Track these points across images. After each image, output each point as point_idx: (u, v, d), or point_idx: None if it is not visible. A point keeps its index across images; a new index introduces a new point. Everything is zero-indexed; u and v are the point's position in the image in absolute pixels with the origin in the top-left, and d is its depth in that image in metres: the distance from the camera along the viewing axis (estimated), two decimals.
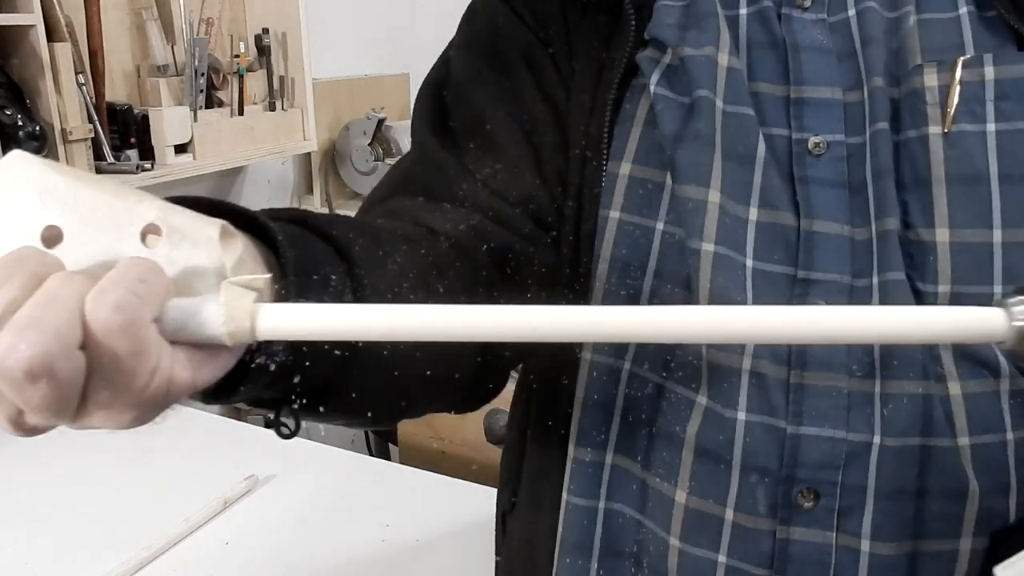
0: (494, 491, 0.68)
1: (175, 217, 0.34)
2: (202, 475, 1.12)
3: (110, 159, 1.42)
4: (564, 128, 0.58)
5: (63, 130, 1.30)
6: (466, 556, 0.96)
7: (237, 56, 1.69)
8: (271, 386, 0.39)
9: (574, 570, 0.56)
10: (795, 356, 0.49)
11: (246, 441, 1.23)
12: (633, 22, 0.56)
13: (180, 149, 1.50)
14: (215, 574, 0.93)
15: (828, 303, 0.50)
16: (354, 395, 0.46)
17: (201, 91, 1.57)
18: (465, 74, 0.61)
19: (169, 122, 1.47)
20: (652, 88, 0.54)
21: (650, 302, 0.53)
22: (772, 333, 0.36)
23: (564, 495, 0.56)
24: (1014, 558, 0.37)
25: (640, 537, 0.54)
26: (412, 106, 0.65)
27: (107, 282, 0.31)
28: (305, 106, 1.78)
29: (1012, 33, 0.51)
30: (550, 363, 0.59)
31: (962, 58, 0.50)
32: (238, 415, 1.62)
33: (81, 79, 1.36)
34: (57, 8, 1.30)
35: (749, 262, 0.51)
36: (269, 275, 0.36)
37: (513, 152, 0.58)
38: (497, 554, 0.70)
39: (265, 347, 0.37)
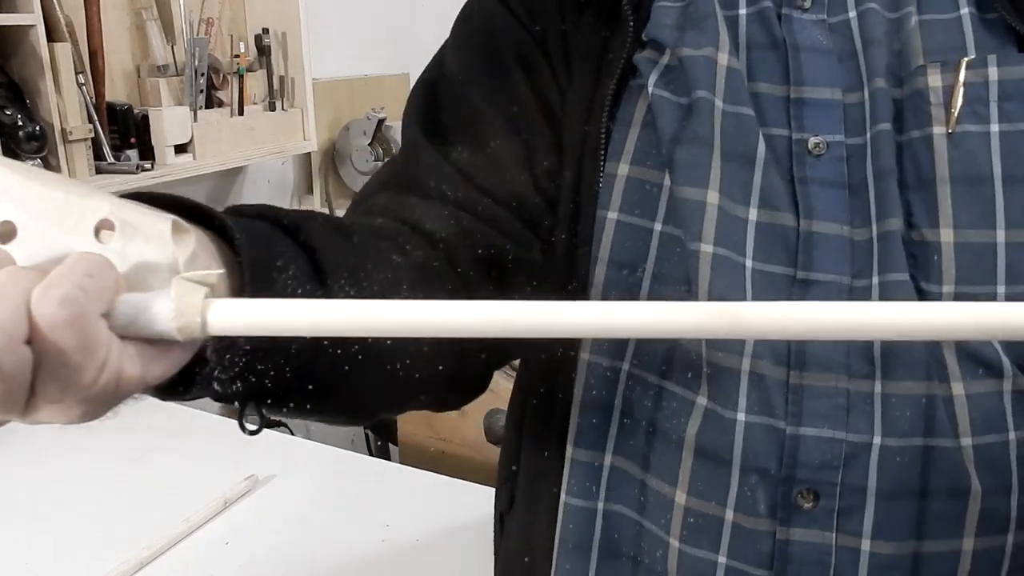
0: (494, 491, 0.69)
1: (128, 212, 0.34)
2: (202, 475, 1.12)
3: (110, 159, 1.42)
4: (558, 129, 0.58)
5: (63, 130, 1.30)
6: (466, 556, 0.96)
7: (237, 56, 1.69)
8: (230, 383, 0.39)
9: (573, 571, 0.56)
10: (794, 356, 0.49)
11: (246, 441, 1.23)
12: (631, 23, 0.56)
13: (180, 149, 1.50)
14: (215, 574, 0.93)
15: None
16: (323, 391, 0.46)
17: (201, 91, 1.57)
18: (459, 72, 0.61)
19: (169, 122, 1.47)
20: (650, 89, 0.54)
21: None
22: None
23: (562, 496, 0.56)
24: None
25: (639, 538, 0.54)
26: None
27: (54, 277, 0.31)
28: (305, 106, 1.78)
29: (1013, 35, 0.51)
30: (545, 363, 0.59)
31: (966, 59, 0.50)
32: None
33: (81, 79, 1.36)
34: (57, 8, 1.30)
35: (749, 263, 0.51)
36: (222, 271, 0.36)
37: (504, 151, 0.58)
38: (496, 554, 0.70)
39: (221, 345, 0.37)
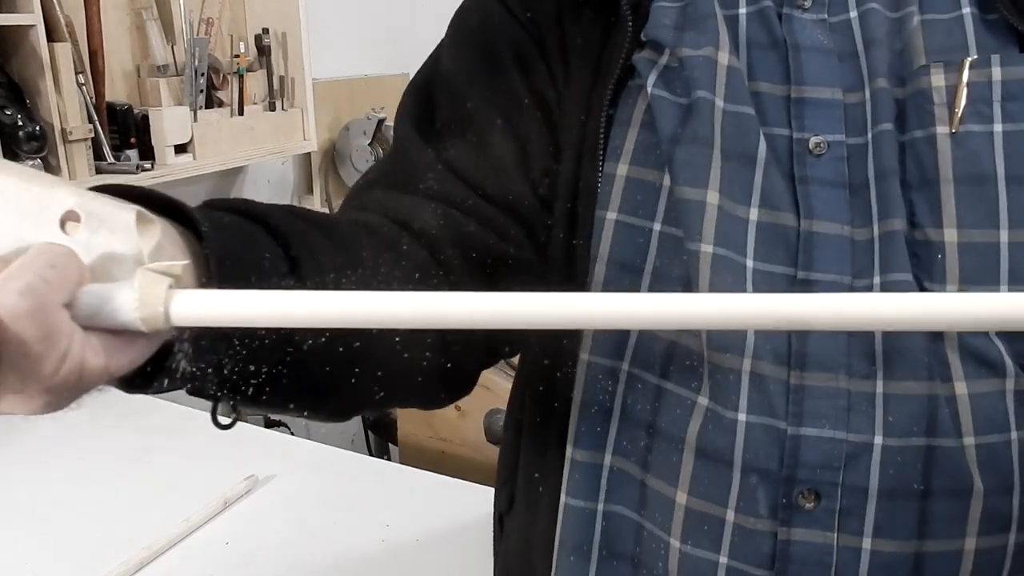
0: (493, 491, 0.69)
1: (94, 204, 0.35)
2: (202, 475, 1.12)
3: (110, 159, 1.42)
4: (554, 128, 0.58)
5: (63, 130, 1.30)
6: (466, 556, 0.96)
7: (237, 56, 1.69)
8: (201, 377, 0.39)
9: (573, 572, 0.56)
10: (794, 357, 0.49)
11: (246, 441, 1.23)
12: (630, 23, 0.56)
13: (180, 149, 1.50)
14: (215, 574, 0.93)
15: None
16: (302, 387, 0.45)
17: (201, 91, 1.57)
18: (455, 70, 0.61)
19: (169, 122, 1.47)
20: (649, 89, 0.54)
21: None
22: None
23: (562, 496, 0.56)
24: None
25: (639, 539, 0.54)
26: None
27: (15, 268, 0.31)
28: (305, 106, 1.78)
29: (1015, 35, 0.51)
30: (545, 363, 0.59)
31: (969, 59, 0.50)
32: (238, 415, 1.62)
33: (81, 79, 1.36)
34: (57, 8, 1.30)
35: (749, 263, 0.51)
36: (186, 262, 0.36)
37: (499, 150, 0.58)
38: (495, 555, 0.70)
39: (187, 337, 0.37)
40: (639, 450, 0.54)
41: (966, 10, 0.52)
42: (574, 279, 0.56)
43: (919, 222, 0.50)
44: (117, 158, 1.43)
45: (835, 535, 0.49)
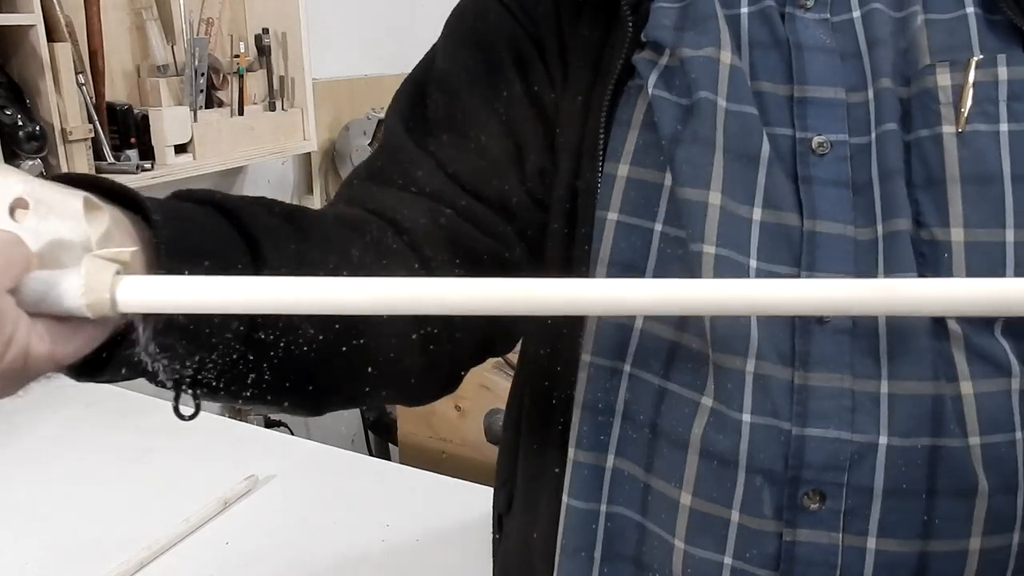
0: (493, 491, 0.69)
1: (42, 191, 0.35)
2: (202, 475, 1.11)
3: (110, 159, 1.42)
4: (550, 128, 0.58)
5: (63, 130, 1.30)
6: (466, 556, 0.96)
7: (237, 56, 1.69)
8: (155, 367, 0.39)
9: (575, 573, 0.56)
10: (798, 357, 0.49)
11: (246, 441, 1.23)
12: (630, 23, 0.56)
13: (180, 149, 1.50)
14: (215, 574, 0.93)
15: None
16: (270, 378, 0.45)
17: (201, 91, 1.57)
18: (450, 66, 0.60)
19: (169, 122, 1.47)
20: (650, 90, 0.54)
21: None
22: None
23: (564, 498, 0.56)
24: None
25: (642, 540, 0.54)
26: None
27: None
28: (305, 106, 1.78)
29: (1018, 35, 0.51)
30: (544, 364, 0.59)
31: (975, 59, 0.50)
32: (238, 415, 1.62)
33: (81, 79, 1.36)
34: (57, 8, 1.30)
35: (753, 263, 0.51)
36: (135, 248, 0.36)
37: (492, 148, 0.58)
38: (494, 555, 0.70)
39: (148, 325, 0.37)
40: (642, 451, 0.54)
41: (969, 10, 0.52)
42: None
43: (925, 222, 0.50)
44: (117, 158, 1.43)
45: (840, 535, 0.49)
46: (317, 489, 1.10)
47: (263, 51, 1.73)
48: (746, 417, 0.49)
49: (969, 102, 0.50)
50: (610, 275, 0.54)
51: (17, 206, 0.34)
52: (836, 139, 0.52)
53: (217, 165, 1.59)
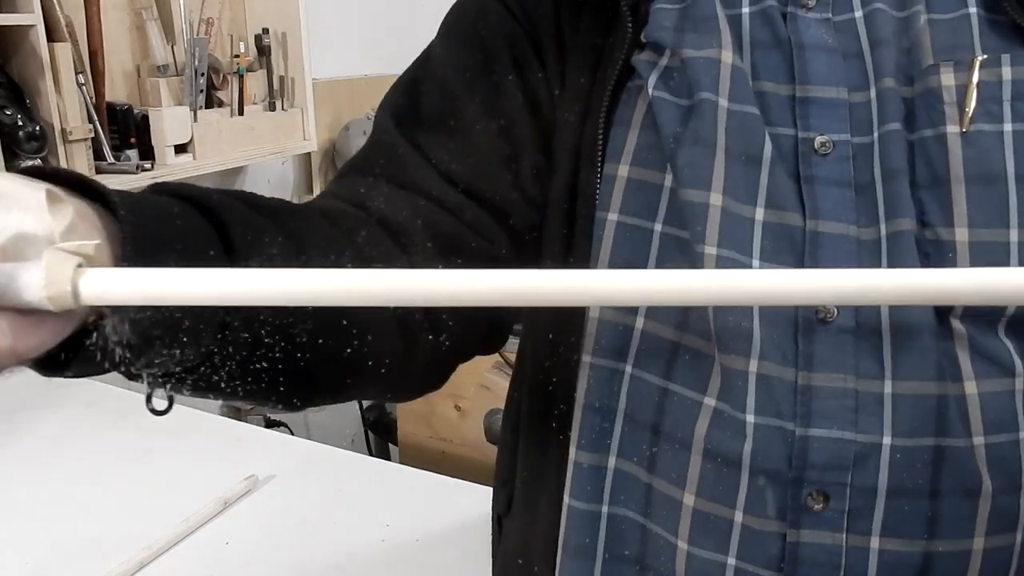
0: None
1: (4, 183, 0.34)
2: (202, 475, 1.11)
3: (110, 159, 1.42)
4: (546, 128, 0.58)
5: (63, 130, 1.30)
6: (466, 556, 0.96)
7: (237, 56, 1.69)
8: (123, 361, 0.38)
9: (578, 574, 0.56)
10: (801, 357, 0.49)
11: (246, 441, 1.23)
12: (629, 24, 0.56)
13: (180, 149, 1.50)
14: (215, 574, 0.93)
15: None
16: (237, 370, 0.45)
17: (201, 91, 1.57)
18: (446, 64, 0.60)
19: (169, 122, 1.47)
20: (650, 91, 0.54)
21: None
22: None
23: (566, 499, 0.56)
24: None
25: (645, 541, 0.54)
26: None
27: None
28: (305, 106, 1.78)
29: (1021, 35, 0.51)
30: (543, 364, 0.59)
31: (979, 58, 0.50)
32: (238, 415, 1.62)
33: (81, 79, 1.36)
34: (57, 8, 1.30)
35: (756, 263, 0.51)
36: (98, 241, 0.36)
37: (485, 146, 0.57)
38: (493, 556, 0.70)
39: (115, 318, 0.36)
40: (644, 452, 0.54)
41: (972, 10, 0.52)
42: None
43: (929, 221, 0.50)
44: (117, 158, 1.43)
45: (844, 536, 0.49)
46: (317, 489, 1.09)
47: (263, 51, 1.73)
48: (750, 418, 0.49)
49: (973, 102, 0.50)
50: None
51: None
52: (838, 139, 0.52)
53: (217, 165, 1.59)
